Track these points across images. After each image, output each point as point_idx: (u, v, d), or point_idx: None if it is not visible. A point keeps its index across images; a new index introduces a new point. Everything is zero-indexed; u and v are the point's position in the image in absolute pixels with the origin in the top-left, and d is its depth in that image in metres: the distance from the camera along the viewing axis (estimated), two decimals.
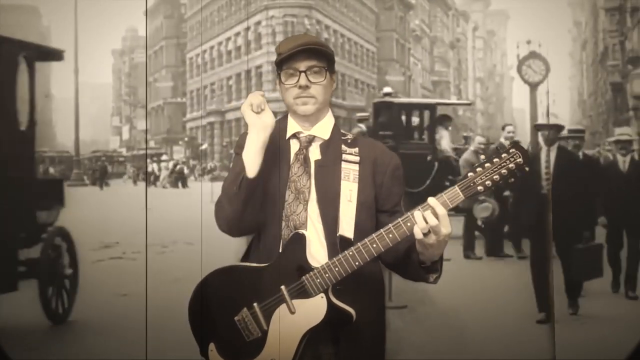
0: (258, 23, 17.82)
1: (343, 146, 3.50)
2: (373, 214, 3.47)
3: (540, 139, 9.68)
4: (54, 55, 10.02)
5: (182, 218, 12.36)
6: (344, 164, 3.45)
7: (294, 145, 3.52)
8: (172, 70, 19.58)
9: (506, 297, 9.29)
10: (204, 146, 18.37)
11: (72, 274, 9.22)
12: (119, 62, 20.85)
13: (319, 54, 3.46)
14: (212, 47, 18.66)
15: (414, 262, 3.30)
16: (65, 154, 15.37)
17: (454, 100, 18.51)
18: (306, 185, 3.41)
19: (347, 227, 3.36)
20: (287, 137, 3.53)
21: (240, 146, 3.46)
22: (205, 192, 13.68)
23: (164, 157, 17.53)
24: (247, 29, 17.91)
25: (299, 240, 3.32)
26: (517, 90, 22.69)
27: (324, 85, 3.47)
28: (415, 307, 8.95)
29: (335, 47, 20.54)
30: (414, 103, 14.18)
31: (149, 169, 16.58)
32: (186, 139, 18.95)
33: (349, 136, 3.55)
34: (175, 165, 17.03)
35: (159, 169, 16.82)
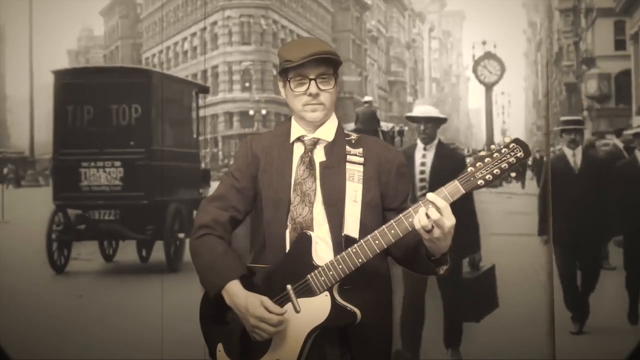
0: (214, 23, 17.75)
1: (347, 147, 3.49)
2: (379, 213, 3.47)
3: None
4: (207, 90, 15.19)
5: None
6: (348, 165, 3.44)
7: (299, 148, 3.50)
8: None
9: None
10: None
11: None
12: (74, 63, 20.67)
13: (327, 61, 3.43)
14: (168, 48, 18.59)
15: (422, 256, 3.30)
16: (19, 154, 15.45)
17: None
18: (311, 187, 3.41)
19: (352, 227, 3.37)
20: (291, 141, 3.51)
21: (238, 169, 3.50)
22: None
23: None
24: (204, 29, 17.84)
25: (305, 241, 3.32)
26: (473, 90, 22.81)
27: (331, 93, 3.45)
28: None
29: None
30: None
31: None
32: None
33: (353, 137, 3.54)
34: None
35: None
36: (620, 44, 16.02)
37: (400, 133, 15.41)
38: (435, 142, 7.58)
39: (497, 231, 12.46)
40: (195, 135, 13.14)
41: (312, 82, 3.39)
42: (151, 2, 19.18)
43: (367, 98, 14.79)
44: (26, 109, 14.65)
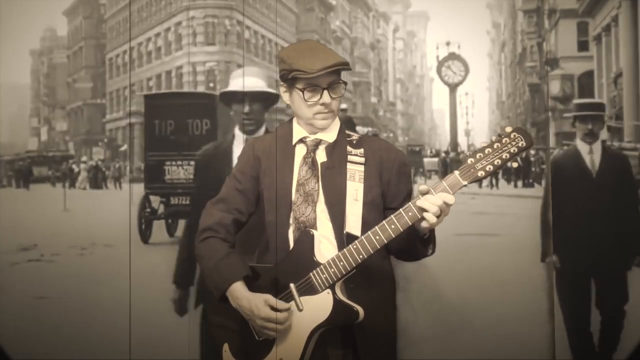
0: (178, 24, 17.74)
1: (348, 147, 3.53)
2: (381, 212, 3.50)
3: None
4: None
5: (101, 220, 12.46)
6: (349, 165, 3.49)
7: (301, 150, 3.54)
8: (92, 71, 19.42)
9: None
10: (124, 147, 18.32)
11: None
12: (37, 63, 20.59)
13: (337, 70, 3.47)
14: (132, 48, 18.57)
15: (415, 241, 3.33)
16: None
17: None
18: (314, 187, 3.45)
19: (354, 225, 3.41)
20: (293, 143, 3.52)
21: (241, 171, 3.50)
22: (127, 194, 13.94)
23: (83, 159, 17.51)
24: (168, 29, 17.82)
25: (307, 239, 3.35)
26: (437, 91, 22.91)
27: (339, 100, 3.47)
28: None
29: (256, 48, 20.48)
30: None
31: (65, 171, 16.63)
32: (106, 140, 18.84)
33: (354, 137, 3.57)
34: (95, 167, 16.99)
35: (79, 170, 16.79)
36: (583, 45, 16.17)
37: (375, 136, 15.65)
38: (263, 129, 5.46)
39: (461, 232, 12.55)
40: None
41: (325, 91, 3.41)
42: (115, 2, 19.14)
43: (342, 106, 15.29)
44: None
